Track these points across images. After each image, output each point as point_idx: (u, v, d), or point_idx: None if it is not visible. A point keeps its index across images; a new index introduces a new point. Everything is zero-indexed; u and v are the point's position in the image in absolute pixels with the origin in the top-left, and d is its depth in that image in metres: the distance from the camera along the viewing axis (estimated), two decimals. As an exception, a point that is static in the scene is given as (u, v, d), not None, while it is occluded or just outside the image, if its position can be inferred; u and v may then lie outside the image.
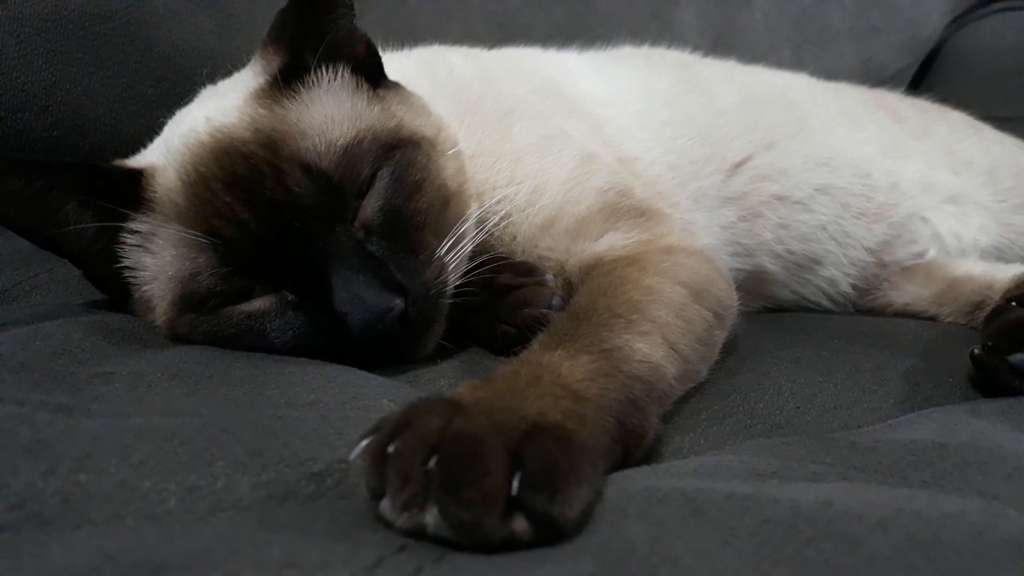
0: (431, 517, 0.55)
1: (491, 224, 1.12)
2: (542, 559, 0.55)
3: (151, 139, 1.13)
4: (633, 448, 0.75)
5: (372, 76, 1.11)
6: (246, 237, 0.95)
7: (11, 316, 1.05)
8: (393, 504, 0.57)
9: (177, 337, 1.01)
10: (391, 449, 0.58)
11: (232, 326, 0.98)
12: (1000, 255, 1.61)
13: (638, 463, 0.76)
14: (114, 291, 1.08)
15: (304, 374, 0.88)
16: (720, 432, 0.91)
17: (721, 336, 1.02)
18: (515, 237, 1.15)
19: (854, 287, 1.55)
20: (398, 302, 0.93)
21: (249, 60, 1.14)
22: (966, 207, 1.61)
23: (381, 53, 1.14)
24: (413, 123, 1.09)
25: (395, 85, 1.14)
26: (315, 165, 0.97)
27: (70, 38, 1.41)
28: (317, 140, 0.99)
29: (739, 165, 1.46)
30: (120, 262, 1.03)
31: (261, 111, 1.01)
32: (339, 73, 1.07)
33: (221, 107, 1.04)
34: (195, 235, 0.96)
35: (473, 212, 1.11)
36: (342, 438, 0.70)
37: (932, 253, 1.57)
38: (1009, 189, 1.64)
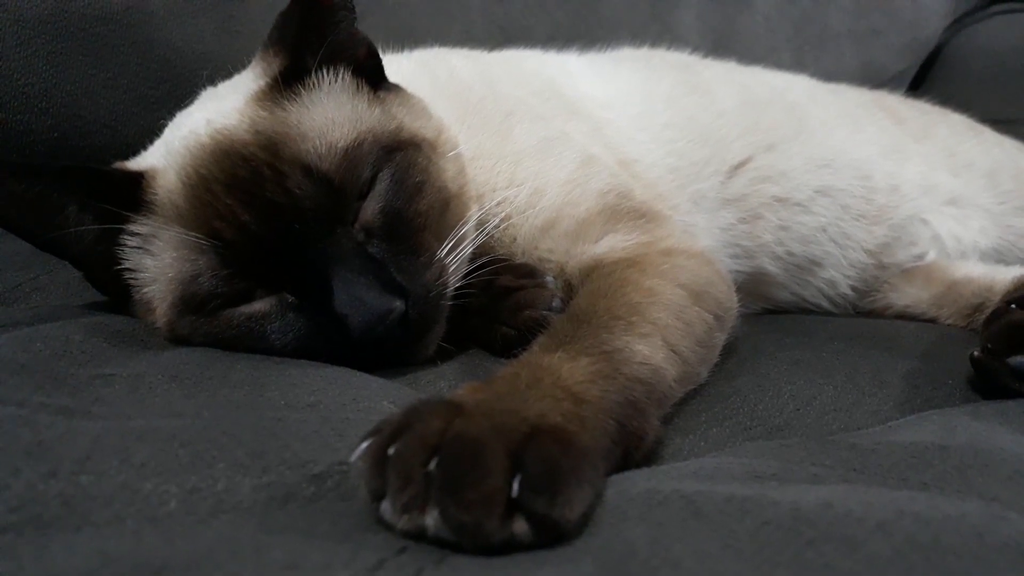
0: (432, 519, 0.55)
1: (491, 226, 1.12)
2: (542, 561, 0.55)
3: (151, 141, 1.14)
4: (633, 450, 0.75)
5: (373, 78, 1.11)
6: (247, 239, 0.95)
7: (11, 318, 1.05)
8: (394, 506, 0.57)
9: (177, 339, 1.01)
10: (392, 451, 0.58)
11: (232, 328, 0.98)
12: (1000, 257, 1.61)
13: (638, 465, 0.76)
14: (115, 293, 1.08)
15: (304, 376, 0.88)
16: (720, 434, 0.91)
17: (721, 338, 1.02)
18: (515, 239, 1.15)
19: (854, 289, 1.55)
20: (398, 304, 0.93)
21: (250, 62, 1.14)
22: (966, 209, 1.61)
23: (381, 55, 1.14)
24: (413, 125, 1.09)
25: (396, 87, 1.14)
26: (316, 167, 0.97)
27: (71, 40, 1.41)
28: (318, 142, 0.99)
29: (739, 167, 1.46)
30: (121, 264, 1.03)
31: (262, 113, 1.01)
32: (340, 75, 1.07)
33: (221, 109, 1.04)
34: (196, 237, 0.96)
35: (473, 214, 1.11)
36: (342, 440, 0.70)
37: (932, 255, 1.57)
38: (1009, 191, 1.64)
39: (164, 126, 1.13)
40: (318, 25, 1.04)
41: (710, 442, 0.89)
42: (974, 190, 1.63)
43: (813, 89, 1.74)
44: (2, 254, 1.31)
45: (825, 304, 1.55)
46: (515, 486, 0.56)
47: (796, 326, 1.35)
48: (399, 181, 1.02)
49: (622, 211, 1.15)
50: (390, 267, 0.97)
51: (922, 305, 1.51)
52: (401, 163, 1.03)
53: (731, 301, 1.07)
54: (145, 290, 1.03)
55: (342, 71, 1.07)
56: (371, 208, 1.00)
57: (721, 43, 2.26)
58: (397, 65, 1.20)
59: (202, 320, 0.99)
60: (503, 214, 1.14)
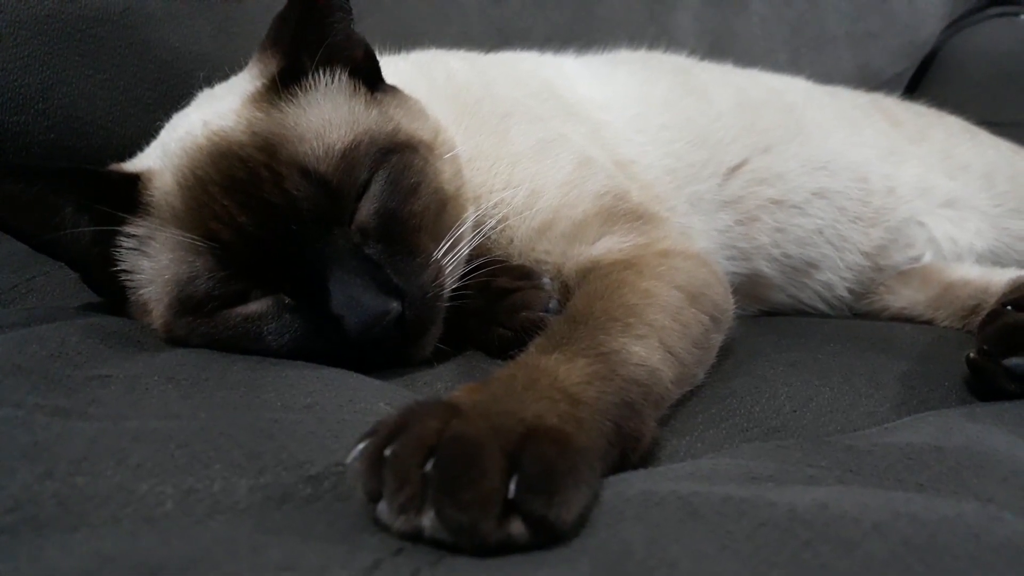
0: (428, 520, 0.55)
1: (488, 227, 1.12)
2: (539, 562, 0.55)
3: (148, 142, 1.13)
4: (630, 451, 0.75)
5: (370, 80, 1.11)
6: (243, 240, 0.95)
7: (7, 319, 1.04)
8: (390, 507, 0.57)
9: (174, 340, 1.01)
10: (388, 452, 0.58)
11: (229, 329, 0.98)
12: (996, 259, 1.61)
13: (635, 466, 0.76)
14: (111, 294, 1.07)
15: (301, 377, 0.88)
16: (717, 435, 0.91)
17: (717, 339, 1.02)
18: (512, 240, 1.15)
19: (850, 291, 1.55)
20: (395, 305, 0.93)
21: (246, 64, 1.14)
22: (962, 211, 1.61)
23: (379, 57, 1.14)
24: (410, 127, 1.09)
25: (392, 89, 1.14)
26: (313, 169, 0.97)
27: (68, 41, 1.41)
28: (315, 144, 0.99)
29: (735, 169, 1.46)
30: (117, 265, 1.03)
31: (258, 115, 1.01)
32: (337, 77, 1.07)
33: (218, 110, 1.04)
34: (192, 238, 0.96)
35: (470, 215, 1.11)
36: (339, 441, 0.70)
37: (928, 257, 1.58)
38: (1005, 193, 1.64)
39: (161, 128, 1.13)
40: (315, 26, 1.04)
41: (707, 443, 0.89)
42: (970, 192, 1.63)
43: (810, 91, 1.74)
44: (-2, 255, 1.31)
45: (821, 306, 1.55)
46: (512, 487, 0.56)
47: (792, 328, 1.35)
48: (395, 182, 1.02)
49: (619, 213, 1.15)
50: (387, 268, 0.96)
51: (918, 307, 1.51)
52: (397, 164, 1.03)
53: (727, 303, 1.07)
54: (141, 291, 1.03)
55: (339, 72, 1.07)
56: (367, 209, 1.00)
57: (718, 45, 2.27)
58: (394, 67, 1.20)
59: (199, 321, 0.99)
60: (500, 215, 1.14)
